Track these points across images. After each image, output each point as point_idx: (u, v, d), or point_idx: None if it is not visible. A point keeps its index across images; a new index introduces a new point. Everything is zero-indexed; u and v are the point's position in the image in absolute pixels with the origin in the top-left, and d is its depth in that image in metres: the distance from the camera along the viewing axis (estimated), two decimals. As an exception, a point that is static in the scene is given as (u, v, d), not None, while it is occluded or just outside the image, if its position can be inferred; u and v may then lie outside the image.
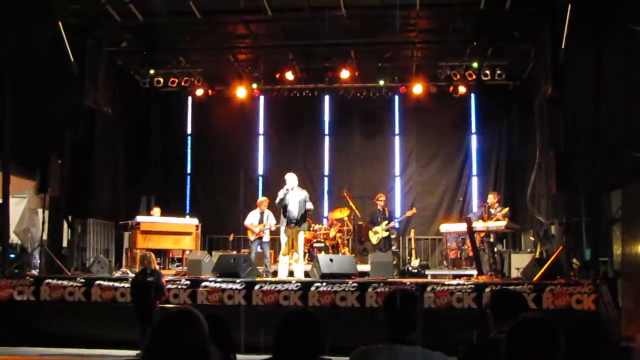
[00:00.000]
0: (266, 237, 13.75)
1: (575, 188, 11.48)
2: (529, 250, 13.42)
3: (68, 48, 12.80)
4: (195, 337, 2.40)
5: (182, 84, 16.09)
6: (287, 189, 11.49)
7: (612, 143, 11.09)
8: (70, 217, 13.12)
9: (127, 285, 10.34)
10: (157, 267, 10.30)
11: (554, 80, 12.21)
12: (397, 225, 14.83)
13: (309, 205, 11.58)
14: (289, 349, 3.15)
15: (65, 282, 10.56)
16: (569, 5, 11.50)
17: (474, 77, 15.06)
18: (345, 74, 15.51)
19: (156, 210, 14.61)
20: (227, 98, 16.56)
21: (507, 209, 12.75)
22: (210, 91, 16.51)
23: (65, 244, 13.19)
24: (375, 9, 13.23)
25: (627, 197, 11.40)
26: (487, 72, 15.09)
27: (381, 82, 15.68)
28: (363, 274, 12.20)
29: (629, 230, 11.40)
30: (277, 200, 11.62)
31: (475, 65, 14.39)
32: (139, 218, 13.67)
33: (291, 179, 11.64)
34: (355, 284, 10.12)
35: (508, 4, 12.55)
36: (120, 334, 9.95)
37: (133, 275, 11.91)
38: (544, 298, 9.64)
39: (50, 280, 10.60)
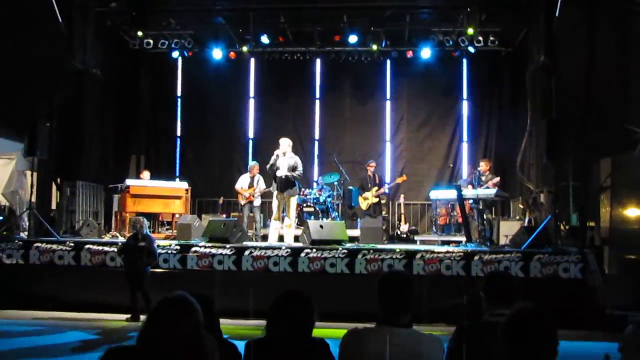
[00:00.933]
0: (257, 202, 13.77)
1: (565, 157, 11.53)
2: (517, 217, 13.48)
3: (56, 8, 12.59)
4: (190, 324, 2.38)
5: (172, 45, 15.87)
6: (277, 155, 11.43)
7: (604, 112, 11.12)
8: (59, 180, 13.03)
9: (116, 249, 10.34)
10: (149, 231, 10.25)
11: (547, 48, 12.16)
12: (387, 191, 14.85)
13: (299, 172, 11.52)
14: (281, 330, 3.16)
15: (54, 246, 10.53)
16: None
17: (467, 43, 14.93)
18: (337, 37, 15.33)
19: (146, 174, 14.57)
20: (218, 60, 16.39)
21: (498, 178, 12.77)
22: (200, 53, 16.31)
23: (54, 206, 13.12)
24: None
25: (617, 166, 11.48)
26: (480, 38, 14.96)
27: (374, 47, 15.52)
28: (353, 238, 12.25)
29: (617, 199, 11.50)
30: (267, 166, 11.57)
31: (470, 32, 14.23)
32: (128, 181, 13.60)
33: (283, 143, 11.59)
34: (345, 251, 10.16)
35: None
36: (110, 298, 10.01)
37: (123, 238, 11.98)
38: (531, 267, 9.74)
39: (39, 244, 10.58)
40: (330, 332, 4.04)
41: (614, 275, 10.65)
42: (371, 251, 10.16)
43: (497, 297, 3.56)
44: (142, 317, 9.17)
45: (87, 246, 10.52)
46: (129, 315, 9.50)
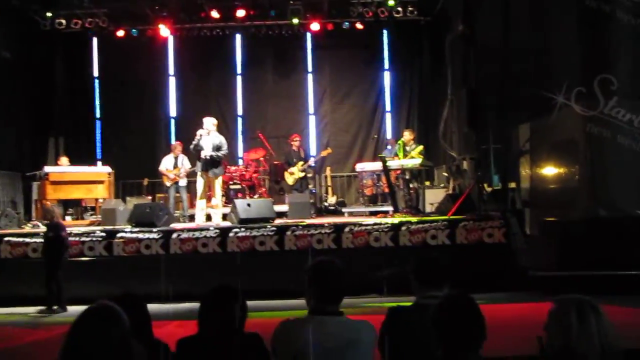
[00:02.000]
0: (182, 182, 13.61)
1: (486, 123, 11.75)
2: (442, 185, 13.74)
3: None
4: (116, 334, 2.31)
5: (86, 25, 15.36)
6: (200, 134, 11.23)
7: (522, 78, 11.36)
8: (-28, 169, 12.52)
9: (38, 240, 10.01)
10: (61, 220, 9.93)
11: (464, 17, 12.31)
12: (313, 164, 14.83)
13: (224, 151, 11.37)
14: (212, 328, 3.12)
15: (-29, 240, 10.11)
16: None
17: (386, 14, 15.01)
18: (256, 12, 15.13)
19: (64, 160, 14.09)
20: (135, 39, 15.97)
21: (421, 147, 12.93)
22: (116, 32, 15.82)
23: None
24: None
25: (535, 131, 11.77)
26: (399, 8, 15.06)
27: (295, 20, 15.41)
28: (281, 214, 12.23)
29: (536, 162, 11.82)
30: (191, 146, 11.36)
31: (391, 3, 14.25)
32: (47, 168, 13.11)
33: (208, 122, 11.38)
34: (274, 228, 10.14)
35: None
36: (32, 291, 9.70)
37: (44, 227, 11.61)
38: (457, 234, 9.94)
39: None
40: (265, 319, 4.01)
41: (535, 236, 10.96)
42: (300, 227, 10.17)
43: (428, 280, 3.61)
44: (55, 308, 9.00)
45: (6, 238, 10.13)
46: (43, 307, 9.24)
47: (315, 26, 15.85)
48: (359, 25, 15.78)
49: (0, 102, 13.25)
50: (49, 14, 14.74)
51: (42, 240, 9.66)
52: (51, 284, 9.20)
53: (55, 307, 9.16)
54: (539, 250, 9.93)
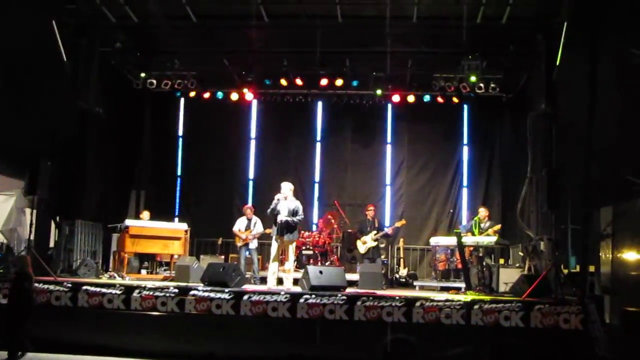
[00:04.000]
0: (253, 244, 13.79)
1: (566, 204, 11.52)
2: (517, 265, 13.42)
3: (61, 47, 12.69)
4: None
5: (175, 86, 16.03)
6: (278, 199, 11.41)
7: (604, 161, 11.14)
8: (58, 218, 12.96)
9: (115, 291, 10.25)
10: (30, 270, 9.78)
11: (548, 96, 12.24)
12: (389, 232, 14.71)
13: (299, 217, 11.50)
14: None
15: (51, 287, 10.41)
16: (565, 23, 11.55)
17: (468, 89, 15.06)
18: (339, 81, 15.44)
19: (145, 214, 14.58)
20: (220, 101, 16.52)
21: (499, 226, 12.77)
22: (203, 94, 16.43)
23: (52, 244, 13.03)
24: (372, 18, 13.18)
25: (618, 215, 11.45)
26: (481, 84, 15.10)
27: (378, 92, 15.61)
28: (351, 282, 12.17)
29: (618, 248, 11.45)
30: (268, 210, 11.54)
31: (473, 79, 14.28)
32: (128, 222, 13.55)
33: (285, 188, 11.58)
34: (344, 297, 10.06)
35: (505, 18, 12.63)
36: (110, 341, 9.89)
37: (121, 279, 11.93)
38: (532, 317, 9.62)
39: (36, 284, 10.42)
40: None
41: (616, 326, 10.53)
42: (370, 298, 10.07)
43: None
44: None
45: (84, 287, 10.41)
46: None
47: (396, 98, 16.04)
48: (439, 99, 15.86)
49: (89, 155, 13.76)
50: (143, 74, 15.43)
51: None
52: (15, 335, 9.05)
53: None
54: (619, 340, 9.53)
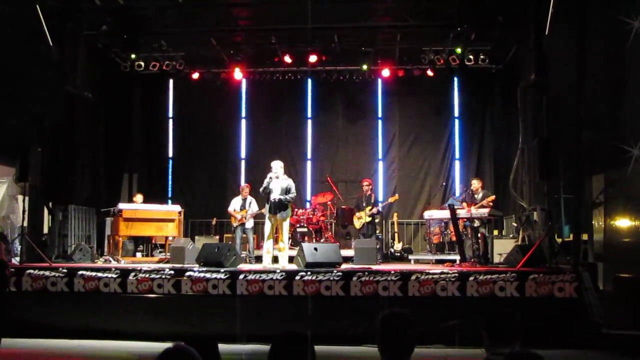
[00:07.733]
0: (249, 224, 13.79)
1: (558, 174, 11.54)
2: (511, 235, 13.48)
3: (47, 32, 12.55)
4: None
5: (164, 67, 15.90)
6: (270, 177, 11.40)
7: (595, 129, 11.16)
8: (50, 204, 12.92)
9: (110, 275, 10.28)
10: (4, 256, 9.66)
11: (537, 66, 12.18)
12: (380, 209, 14.78)
13: (292, 195, 11.50)
14: None
15: (47, 273, 10.42)
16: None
17: (457, 61, 15.02)
18: (328, 57, 15.36)
19: (139, 197, 14.58)
20: (209, 81, 16.45)
21: (493, 197, 12.78)
22: (192, 74, 16.32)
23: (45, 230, 13.01)
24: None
25: (610, 182, 11.50)
26: (470, 56, 15.04)
27: (364, 67, 15.59)
28: (346, 258, 12.21)
29: (610, 215, 11.52)
30: (261, 189, 11.53)
31: (459, 50, 14.30)
32: (121, 205, 13.55)
33: (276, 166, 11.55)
34: (340, 273, 10.11)
35: (492, -11, 12.57)
36: (104, 324, 9.92)
37: (116, 262, 11.93)
38: (526, 287, 9.72)
39: (31, 271, 10.46)
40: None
41: (609, 292, 10.61)
42: (366, 273, 10.12)
43: (499, 336, 3.55)
44: None
45: (80, 272, 10.42)
46: None
47: (386, 72, 16.01)
48: (429, 72, 15.82)
49: (80, 140, 13.69)
50: (133, 56, 15.32)
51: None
52: None
53: None
54: (612, 307, 9.61)
